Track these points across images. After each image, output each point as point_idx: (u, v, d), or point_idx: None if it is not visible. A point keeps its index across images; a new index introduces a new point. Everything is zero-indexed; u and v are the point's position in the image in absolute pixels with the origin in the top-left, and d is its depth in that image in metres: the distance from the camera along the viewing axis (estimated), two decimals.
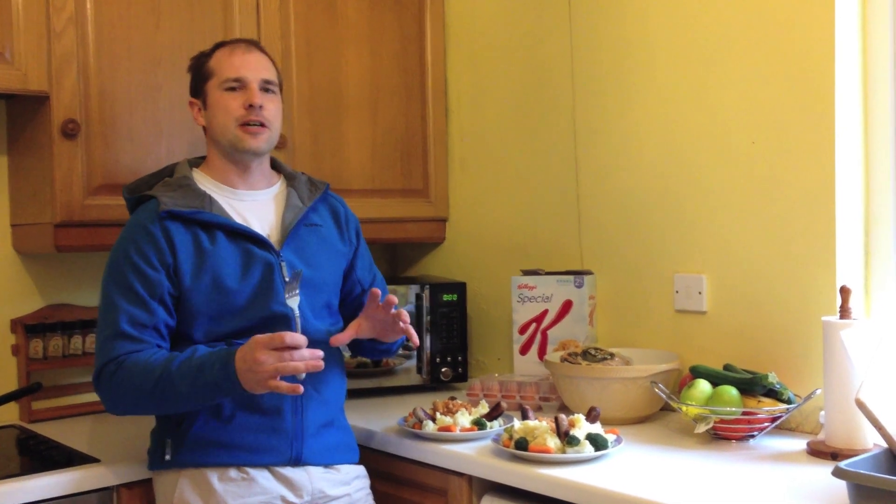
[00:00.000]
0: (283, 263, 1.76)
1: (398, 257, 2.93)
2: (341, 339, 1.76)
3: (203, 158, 1.88)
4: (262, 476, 1.71)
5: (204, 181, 1.81)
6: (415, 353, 2.43)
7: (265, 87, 1.79)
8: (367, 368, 2.41)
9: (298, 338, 1.56)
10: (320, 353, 1.58)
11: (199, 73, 1.82)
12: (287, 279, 1.73)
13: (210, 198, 1.76)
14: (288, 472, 1.73)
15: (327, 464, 1.79)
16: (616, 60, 2.23)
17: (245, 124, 1.76)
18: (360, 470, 1.87)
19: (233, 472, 1.70)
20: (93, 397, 2.30)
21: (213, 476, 1.69)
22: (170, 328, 1.71)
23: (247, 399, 1.69)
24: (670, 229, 2.13)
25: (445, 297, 2.44)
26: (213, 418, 1.70)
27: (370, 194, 2.53)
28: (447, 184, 2.69)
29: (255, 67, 1.79)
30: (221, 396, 1.63)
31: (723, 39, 2.01)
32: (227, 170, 1.81)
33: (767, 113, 1.94)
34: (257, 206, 1.82)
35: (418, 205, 2.64)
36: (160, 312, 1.68)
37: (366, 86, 2.51)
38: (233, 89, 1.77)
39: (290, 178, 1.90)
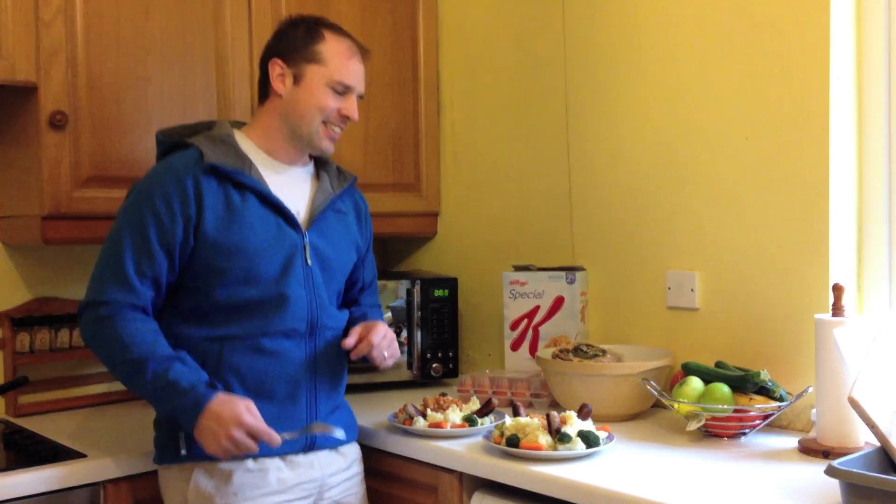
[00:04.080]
0: (307, 245, 1.75)
1: (389, 252, 2.91)
2: (349, 343, 1.77)
3: (241, 124, 1.85)
4: (276, 466, 1.70)
5: (245, 144, 1.77)
6: (406, 348, 2.41)
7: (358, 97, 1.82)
8: (357, 364, 2.36)
9: (276, 441, 1.60)
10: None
11: (305, 49, 1.76)
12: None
13: (251, 162, 1.74)
14: (300, 458, 1.73)
15: (333, 446, 1.79)
16: (609, 55, 2.22)
17: (330, 125, 1.77)
18: (358, 451, 1.88)
19: (250, 464, 1.68)
20: (80, 391, 2.29)
21: (230, 468, 1.67)
22: (168, 283, 1.68)
23: (260, 388, 1.69)
24: (663, 226, 2.12)
25: (436, 293, 2.42)
26: None
27: (361, 188, 2.43)
28: (439, 178, 2.67)
29: (362, 79, 1.81)
30: (174, 415, 1.64)
31: (717, 34, 2.00)
32: (279, 142, 1.78)
33: (761, 109, 1.93)
34: (292, 182, 1.80)
35: (410, 199, 2.62)
36: (163, 263, 1.65)
37: None
38: (336, 91, 1.76)
39: (321, 163, 1.90)
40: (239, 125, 1.85)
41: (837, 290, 1.70)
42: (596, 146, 2.26)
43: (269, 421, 1.67)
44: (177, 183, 1.66)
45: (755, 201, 1.95)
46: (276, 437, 1.60)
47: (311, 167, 1.87)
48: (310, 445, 1.74)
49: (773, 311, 1.92)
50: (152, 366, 1.59)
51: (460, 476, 1.77)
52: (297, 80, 1.76)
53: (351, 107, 1.78)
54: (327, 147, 1.80)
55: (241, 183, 1.70)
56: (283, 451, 1.71)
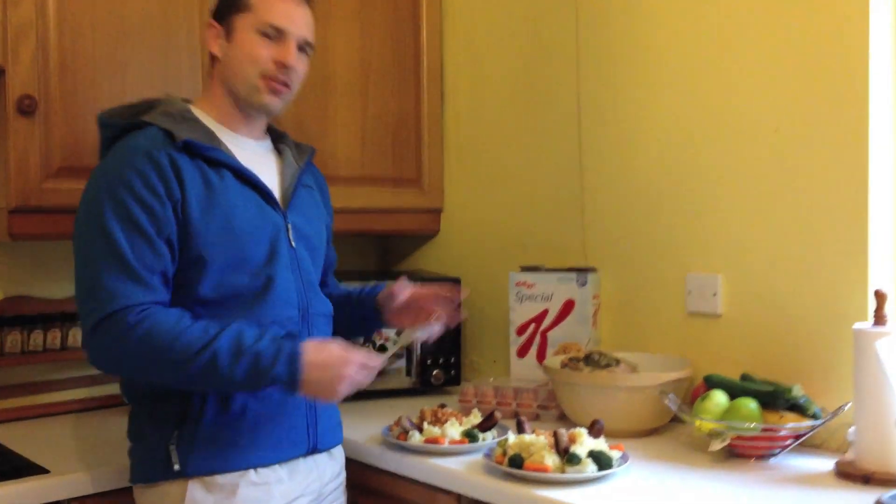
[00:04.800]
0: (290, 226, 1.60)
1: (389, 250, 2.77)
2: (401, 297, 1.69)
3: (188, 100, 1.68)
4: (278, 478, 1.55)
5: (203, 119, 1.61)
6: (404, 353, 2.27)
7: (302, 47, 1.61)
8: None
9: (377, 365, 1.50)
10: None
11: (233, 1, 1.61)
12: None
13: (217, 137, 1.58)
14: (301, 465, 1.59)
15: (330, 447, 1.66)
16: (625, 40, 2.06)
17: (268, 77, 1.58)
18: (344, 454, 1.75)
19: (252, 475, 1.52)
20: (53, 398, 2.15)
21: (233, 481, 1.50)
22: (173, 276, 1.50)
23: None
24: (683, 224, 1.96)
25: None
26: (223, 414, 1.50)
27: (359, 182, 2.37)
28: (442, 172, 2.53)
29: (301, 23, 1.61)
30: (266, 387, 1.46)
31: (744, 16, 1.84)
32: (230, 112, 1.62)
33: (793, 97, 1.76)
34: (257, 158, 1.64)
35: (411, 194, 2.48)
36: (167, 255, 1.47)
37: (355, 66, 2.35)
38: (268, 37, 1.58)
39: (277, 137, 1.74)
40: (188, 101, 1.67)
41: (879, 296, 1.53)
42: (610, 138, 2.11)
43: (268, 419, 1.54)
44: (151, 163, 1.47)
45: (785, 198, 1.78)
46: (377, 360, 1.49)
47: (269, 141, 1.72)
48: (311, 449, 1.60)
49: (805, 318, 1.75)
50: (222, 348, 1.40)
51: (458, 498, 1.61)
52: (228, 35, 1.60)
53: (286, 52, 1.57)
54: (269, 102, 1.60)
55: (217, 160, 1.54)
56: (287, 457, 1.56)
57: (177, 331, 1.42)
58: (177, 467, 1.49)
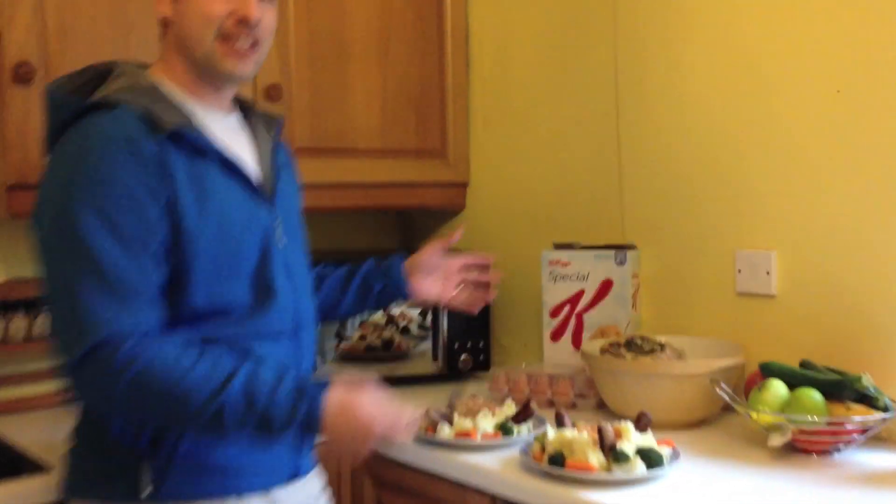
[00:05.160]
0: (279, 222, 1.39)
1: (412, 227, 2.65)
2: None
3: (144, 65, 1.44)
4: None
5: (174, 95, 1.36)
6: (429, 335, 2.15)
7: None
8: (376, 352, 2.13)
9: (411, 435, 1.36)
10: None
11: None
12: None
13: (194, 117, 1.35)
14: (281, 494, 1.37)
15: (308, 471, 1.45)
16: None
17: (228, 38, 1.33)
18: (319, 477, 1.53)
19: None
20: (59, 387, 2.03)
21: None
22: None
23: None
24: (731, 196, 1.82)
25: None
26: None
27: (380, 155, 2.25)
28: (468, 143, 2.40)
29: None
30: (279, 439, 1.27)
31: None
32: (195, 83, 1.38)
33: (856, 54, 1.61)
34: (233, 137, 1.40)
35: (435, 167, 2.36)
36: (159, 267, 1.24)
37: (374, 30, 2.22)
38: None
39: (244, 108, 1.50)
40: (144, 66, 1.43)
41: None
42: (650, 103, 1.96)
43: (253, 447, 1.33)
44: (135, 155, 1.24)
45: (848, 166, 1.63)
46: (413, 426, 1.33)
47: (237, 113, 1.48)
48: (296, 472, 1.41)
49: (869, 299, 1.61)
50: (229, 403, 1.19)
51: (493, 499, 1.48)
52: None
53: (245, 5, 1.31)
54: (233, 67, 1.34)
55: (203, 148, 1.32)
56: (270, 484, 1.36)
57: (176, 375, 1.20)
58: (148, 490, 1.27)
